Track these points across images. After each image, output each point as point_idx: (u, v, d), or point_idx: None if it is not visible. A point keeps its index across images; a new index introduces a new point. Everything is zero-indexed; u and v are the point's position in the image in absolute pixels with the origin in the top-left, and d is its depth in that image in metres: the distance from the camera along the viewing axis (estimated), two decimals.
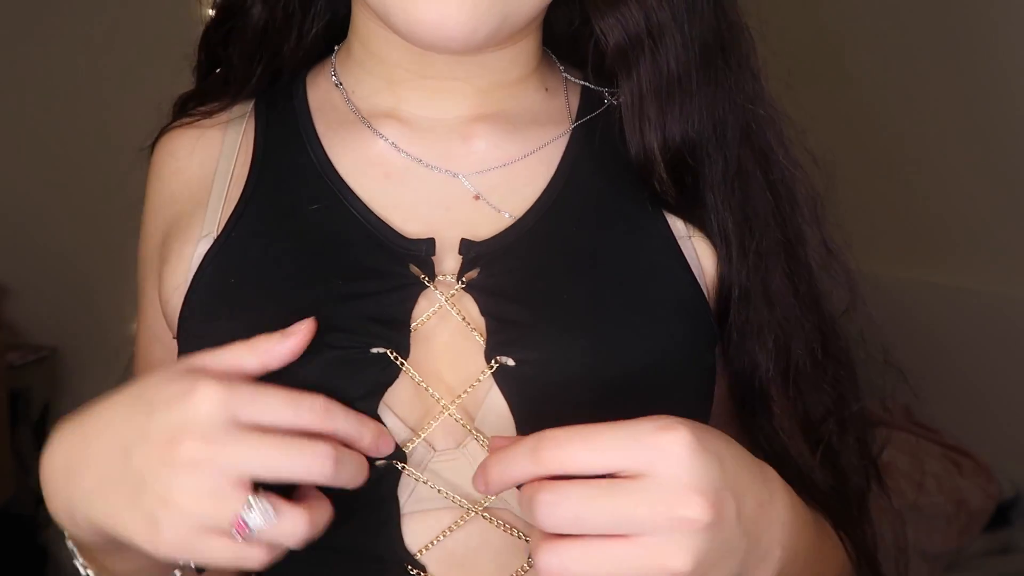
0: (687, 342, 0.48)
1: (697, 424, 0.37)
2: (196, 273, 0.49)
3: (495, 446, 0.40)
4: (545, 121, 0.53)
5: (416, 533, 0.44)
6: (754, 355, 0.51)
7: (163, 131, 0.56)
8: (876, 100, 2.10)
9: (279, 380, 0.41)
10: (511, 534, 0.44)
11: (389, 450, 0.43)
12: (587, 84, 0.55)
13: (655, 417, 0.37)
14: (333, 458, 0.38)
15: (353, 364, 0.44)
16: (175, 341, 0.50)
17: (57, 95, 2.11)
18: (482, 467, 0.39)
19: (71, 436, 0.41)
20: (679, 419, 0.37)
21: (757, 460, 0.41)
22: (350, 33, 0.54)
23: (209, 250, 0.49)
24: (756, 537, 0.38)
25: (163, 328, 0.54)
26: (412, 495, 0.44)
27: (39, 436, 2.09)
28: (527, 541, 0.43)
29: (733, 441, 0.40)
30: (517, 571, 0.44)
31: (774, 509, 0.40)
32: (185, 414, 0.37)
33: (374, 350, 0.44)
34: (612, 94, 0.54)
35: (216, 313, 0.48)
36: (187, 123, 0.55)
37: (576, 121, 0.53)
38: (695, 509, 0.35)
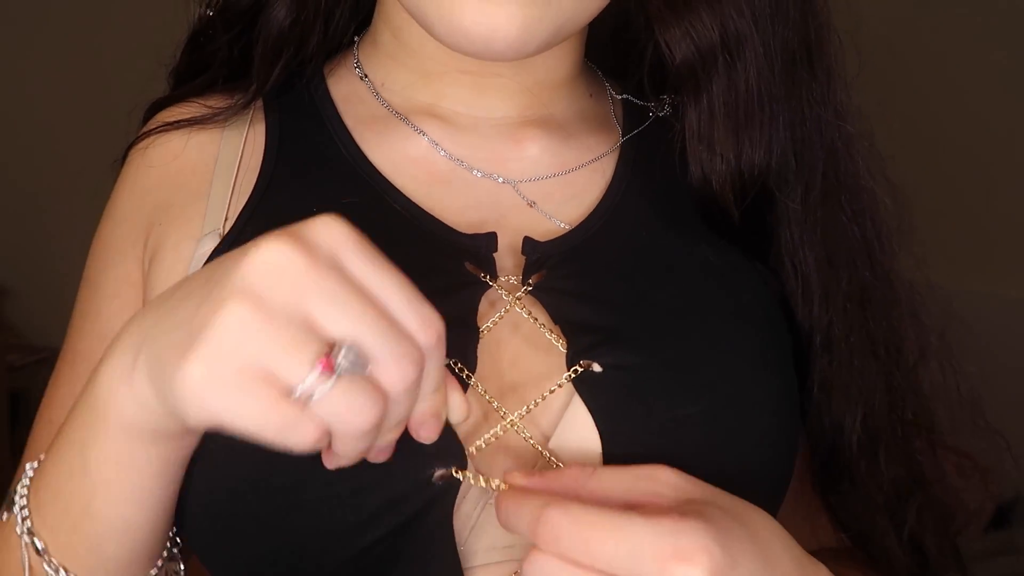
0: (777, 354, 0.43)
1: (726, 545, 0.31)
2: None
3: (513, 482, 0.34)
4: (596, 129, 0.50)
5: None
6: (839, 415, 0.46)
7: (147, 133, 0.51)
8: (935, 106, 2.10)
9: None
10: None
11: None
12: (628, 97, 0.52)
13: (682, 527, 0.30)
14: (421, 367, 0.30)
15: None
16: None
17: (55, 97, 2.11)
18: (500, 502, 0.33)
19: (145, 314, 0.33)
20: (705, 543, 0.30)
21: (804, 563, 0.36)
22: (377, 22, 0.49)
23: (218, 247, 0.44)
24: None
25: None
26: (470, 536, 0.37)
27: None
28: None
29: (775, 545, 0.34)
30: None
31: None
32: (304, 233, 0.29)
33: None
34: (658, 107, 0.51)
35: None
36: (177, 126, 0.49)
37: (626, 131, 0.49)
38: None
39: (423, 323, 0.30)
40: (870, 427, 0.46)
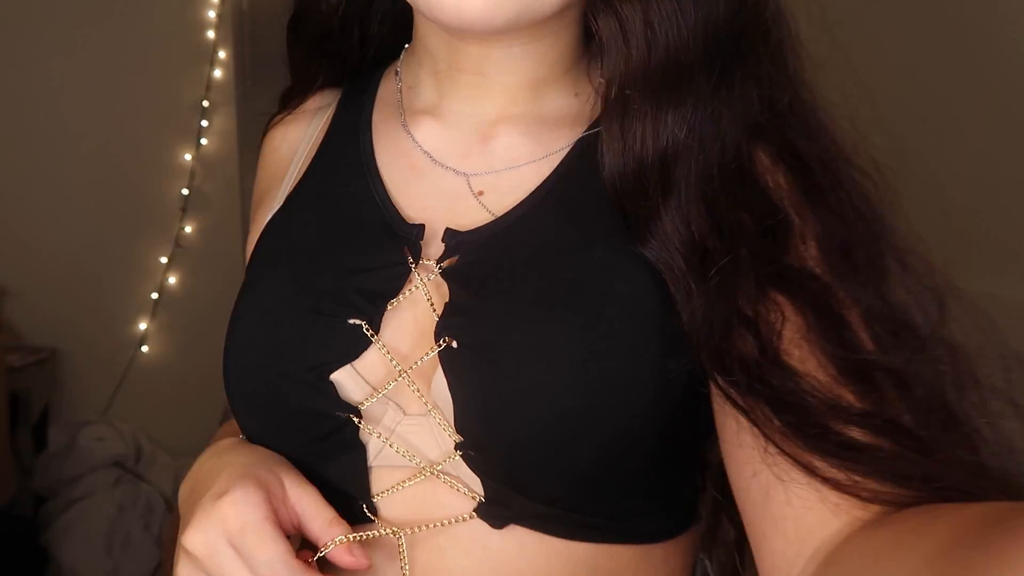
0: (632, 347, 0.46)
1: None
2: (261, 235, 0.57)
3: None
4: (566, 126, 0.53)
5: (380, 481, 0.50)
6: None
7: (269, 122, 0.64)
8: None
9: (269, 327, 0.51)
10: (456, 491, 0.49)
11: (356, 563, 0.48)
12: None
13: None
14: None
15: (332, 331, 0.50)
16: None
17: (57, 97, 2.11)
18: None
19: (201, 468, 0.52)
20: None
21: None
22: (414, 35, 0.57)
23: (271, 219, 0.57)
24: None
25: None
26: (382, 452, 0.50)
27: (39, 438, 2.09)
28: (471, 498, 0.49)
29: None
30: (455, 519, 0.49)
31: None
32: (210, 513, 0.46)
33: (350, 321, 0.50)
34: None
35: (262, 269, 0.55)
36: (284, 116, 0.63)
37: (588, 130, 0.52)
38: None
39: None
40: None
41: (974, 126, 1.95)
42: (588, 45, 0.54)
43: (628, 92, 0.47)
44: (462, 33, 0.49)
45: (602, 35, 0.48)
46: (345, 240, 0.53)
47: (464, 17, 0.46)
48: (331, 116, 0.60)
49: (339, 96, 0.61)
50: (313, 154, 0.58)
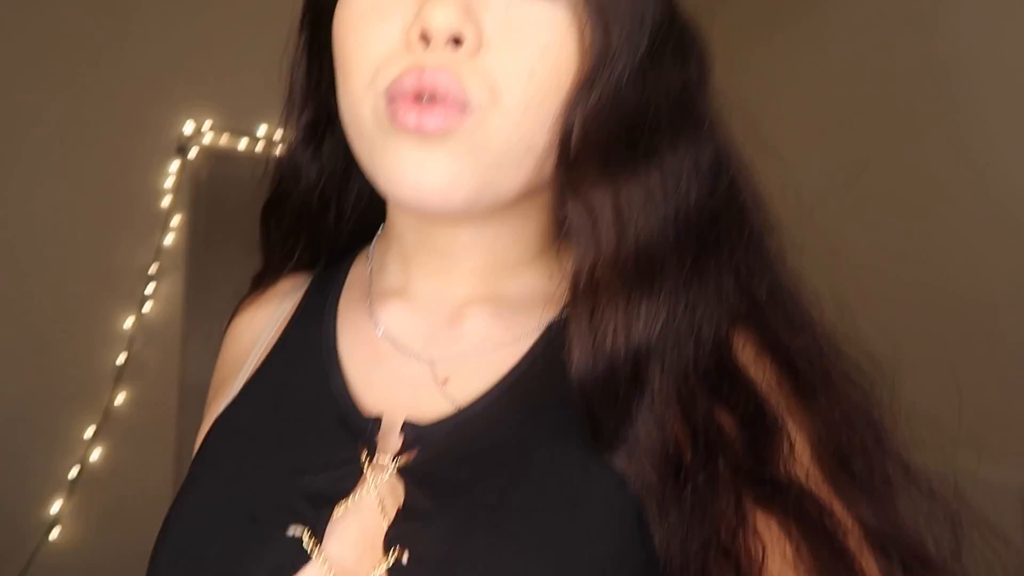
0: (603, 564, 0.42)
1: None
2: (209, 430, 0.53)
3: None
4: (537, 308, 0.51)
5: None
6: None
7: (239, 306, 0.61)
8: None
9: (198, 539, 0.45)
10: None
11: None
12: None
13: None
14: None
15: (268, 542, 0.45)
16: None
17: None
18: None
19: None
20: None
21: None
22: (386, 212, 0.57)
23: (222, 412, 0.53)
24: None
25: None
26: None
27: None
28: None
29: None
30: None
31: None
32: None
33: (289, 531, 0.45)
34: None
35: (202, 468, 0.50)
36: (254, 299, 0.60)
37: (559, 312, 0.50)
38: None
39: None
40: None
41: (973, 298, 1.86)
42: (562, 226, 0.52)
43: (598, 284, 0.45)
44: (423, 212, 0.47)
45: (571, 223, 0.46)
46: (296, 435, 0.49)
47: (423, 195, 0.45)
48: (299, 300, 0.58)
49: (310, 279, 0.59)
50: (275, 341, 0.56)
